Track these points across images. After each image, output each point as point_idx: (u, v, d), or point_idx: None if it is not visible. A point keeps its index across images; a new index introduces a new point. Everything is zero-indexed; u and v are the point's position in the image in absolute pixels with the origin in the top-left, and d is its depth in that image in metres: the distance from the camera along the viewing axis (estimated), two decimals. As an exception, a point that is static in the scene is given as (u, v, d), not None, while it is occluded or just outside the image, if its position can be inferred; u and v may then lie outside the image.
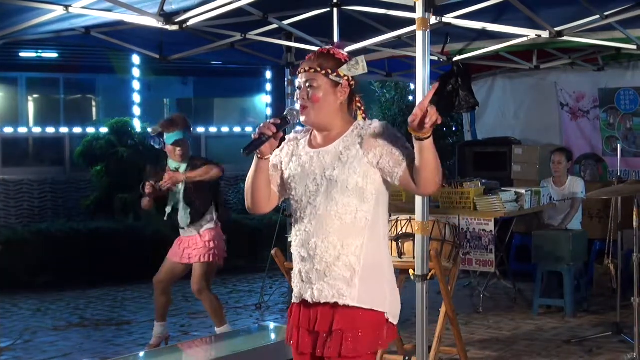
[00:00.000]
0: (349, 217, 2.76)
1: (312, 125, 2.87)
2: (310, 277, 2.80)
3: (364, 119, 2.90)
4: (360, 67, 2.82)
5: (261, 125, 2.80)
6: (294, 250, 2.88)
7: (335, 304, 2.76)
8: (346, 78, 2.82)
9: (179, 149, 5.52)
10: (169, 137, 5.53)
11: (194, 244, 5.54)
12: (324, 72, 2.80)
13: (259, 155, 2.84)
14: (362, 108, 2.92)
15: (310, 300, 2.81)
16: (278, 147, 2.91)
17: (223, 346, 4.80)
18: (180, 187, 5.51)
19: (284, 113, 2.86)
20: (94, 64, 10.98)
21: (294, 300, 2.92)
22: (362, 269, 2.77)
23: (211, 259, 5.51)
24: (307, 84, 2.80)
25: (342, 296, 2.75)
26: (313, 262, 2.79)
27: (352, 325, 2.74)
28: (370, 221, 2.79)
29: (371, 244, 2.79)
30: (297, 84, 2.86)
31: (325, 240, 2.76)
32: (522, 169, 8.82)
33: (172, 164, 5.57)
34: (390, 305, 2.81)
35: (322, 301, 2.78)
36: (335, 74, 2.80)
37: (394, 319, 2.83)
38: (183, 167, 5.54)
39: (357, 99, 2.91)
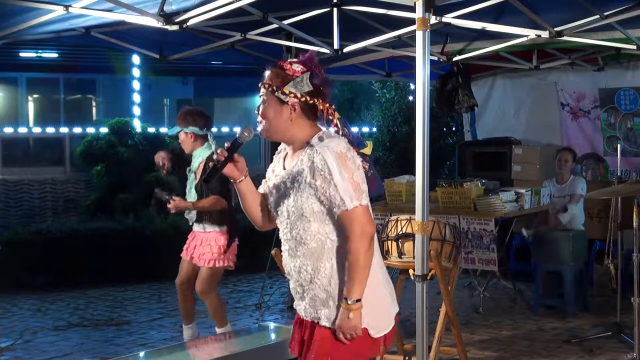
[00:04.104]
0: (312, 241, 2.78)
1: (268, 139, 2.91)
2: (298, 292, 2.88)
3: (337, 128, 2.86)
4: (304, 84, 2.78)
5: (217, 151, 2.82)
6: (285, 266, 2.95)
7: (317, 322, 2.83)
8: (292, 95, 2.77)
9: (180, 142, 5.58)
10: (172, 129, 5.73)
11: (208, 244, 5.47)
12: (270, 89, 2.79)
13: (232, 180, 2.88)
14: (334, 120, 2.86)
15: (302, 314, 2.89)
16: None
17: (223, 346, 4.80)
18: (191, 178, 5.49)
19: (237, 136, 2.85)
20: (94, 64, 10.98)
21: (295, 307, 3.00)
22: (335, 289, 2.78)
23: (219, 264, 5.47)
24: (261, 99, 2.82)
25: (319, 318, 2.81)
26: (295, 282, 2.87)
27: (327, 344, 2.78)
28: (336, 241, 2.78)
29: (342, 262, 2.77)
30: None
31: (300, 265, 2.82)
32: (522, 169, 8.82)
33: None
34: (370, 319, 2.78)
35: (308, 318, 2.85)
36: (280, 91, 2.77)
37: (377, 331, 2.82)
38: (196, 162, 5.50)
39: (327, 108, 2.84)
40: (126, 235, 8.91)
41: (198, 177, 5.43)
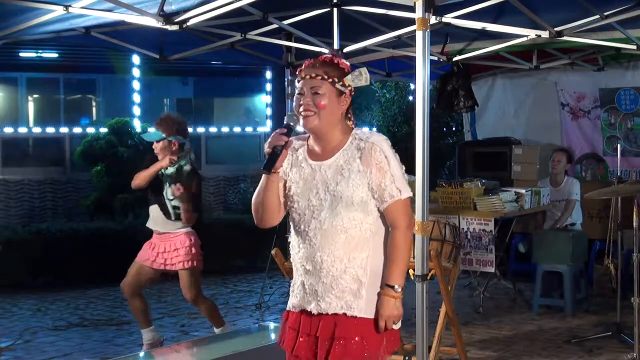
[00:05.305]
0: (354, 230, 2.79)
1: (314, 132, 2.85)
2: (316, 290, 2.82)
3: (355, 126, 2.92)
4: (363, 78, 2.85)
5: (270, 139, 2.80)
6: (297, 261, 2.89)
7: (343, 314, 2.80)
8: (350, 88, 2.84)
9: (157, 149, 5.46)
10: (150, 134, 5.57)
11: (173, 249, 5.43)
12: (330, 80, 2.80)
13: (273, 170, 2.84)
14: (352, 119, 2.91)
15: (315, 312, 2.83)
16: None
17: (223, 346, 4.79)
18: (167, 186, 5.45)
19: (285, 122, 2.84)
20: (94, 64, 10.98)
21: (291, 308, 2.93)
22: (368, 279, 2.81)
23: (195, 265, 5.44)
24: (313, 91, 2.80)
25: (350, 308, 2.80)
26: (319, 276, 2.81)
27: (357, 334, 2.78)
28: (374, 232, 2.83)
29: (375, 254, 2.83)
30: (298, 89, 2.85)
31: (331, 255, 2.79)
32: (522, 169, 8.82)
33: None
34: None
35: (330, 312, 2.81)
36: (340, 83, 2.82)
37: (397, 324, 2.88)
38: (172, 167, 5.43)
39: (350, 109, 2.91)
40: (126, 235, 8.90)
41: (177, 188, 5.36)
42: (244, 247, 9.47)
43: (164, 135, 5.40)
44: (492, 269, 6.50)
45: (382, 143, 2.80)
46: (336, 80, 2.81)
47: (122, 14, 5.26)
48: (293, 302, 2.92)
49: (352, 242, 2.79)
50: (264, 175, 2.87)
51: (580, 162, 8.96)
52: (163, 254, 5.46)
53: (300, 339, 2.86)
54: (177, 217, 5.44)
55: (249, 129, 12.23)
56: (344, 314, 2.80)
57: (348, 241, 2.79)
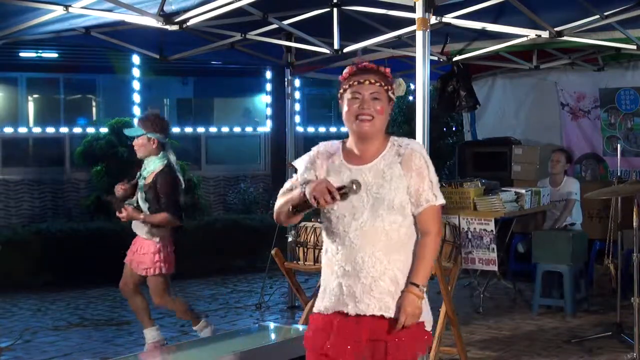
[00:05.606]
0: (393, 233, 2.87)
1: (365, 136, 2.92)
2: (354, 291, 2.87)
3: None
4: (401, 89, 3.07)
5: (317, 190, 2.75)
6: (334, 263, 2.92)
7: (380, 316, 2.86)
8: (394, 95, 2.98)
9: (136, 146, 5.52)
10: (132, 129, 5.64)
11: (142, 252, 5.48)
12: (386, 87, 2.92)
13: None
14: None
15: (352, 313, 2.87)
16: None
17: (223, 346, 4.78)
18: (142, 184, 5.48)
19: (346, 187, 2.79)
20: (94, 64, 10.98)
21: (322, 310, 2.95)
22: (403, 281, 2.89)
23: (158, 272, 5.46)
24: (372, 96, 2.89)
25: (389, 309, 2.86)
26: (359, 277, 2.86)
27: (396, 336, 2.86)
28: (409, 236, 2.91)
29: (409, 258, 2.92)
30: (351, 93, 2.90)
31: (372, 256, 2.85)
32: (522, 169, 8.82)
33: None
34: (427, 314, 2.97)
35: (368, 314, 2.86)
36: (392, 91, 2.95)
37: (430, 326, 2.99)
38: (149, 169, 5.48)
39: None
40: (126, 235, 8.89)
41: (149, 184, 5.41)
42: (244, 247, 9.47)
43: (144, 132, 5.45)
44: (494, 268, 6.50)
45: (421, 150, 2.96)
46: (389, 87, 2.94)
47: (122, 14, 5.26)
48: (325, 304, 2.95)
49: (391, 244, 2.87)
50: (297, 197, 2.85)
51: (580, 162, 8.96)
52: (135, 254, 5.55)
53: (335, 341, 2.88)
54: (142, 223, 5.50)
55: (249, 129, 12.23)
56: (382, 315, 2.86)
57: (388, 243, 2.86)
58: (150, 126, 5.46)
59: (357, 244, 2.86)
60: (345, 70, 2.97)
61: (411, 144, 2.97)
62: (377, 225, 2.84)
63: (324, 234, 3.00)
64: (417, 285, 2.86)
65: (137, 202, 5.52)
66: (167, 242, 5.51)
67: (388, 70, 2.98)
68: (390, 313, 2.86)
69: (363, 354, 2.88)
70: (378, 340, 2.86)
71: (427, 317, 2.98)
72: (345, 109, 2.92)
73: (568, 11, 5.72)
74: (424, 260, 2.90)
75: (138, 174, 5.59)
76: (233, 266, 9.44)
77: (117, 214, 5.47)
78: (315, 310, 3.00)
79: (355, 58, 3.07)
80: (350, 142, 2.97)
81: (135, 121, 5.74)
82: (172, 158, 5.56)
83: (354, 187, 2.79)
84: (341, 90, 2.96)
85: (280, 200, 2.97)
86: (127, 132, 5.69)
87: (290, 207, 2.86)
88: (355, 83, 2.90)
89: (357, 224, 2.86)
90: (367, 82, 2.89)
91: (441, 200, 2.93)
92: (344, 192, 2.79)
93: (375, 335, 2.86)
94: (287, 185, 3.00)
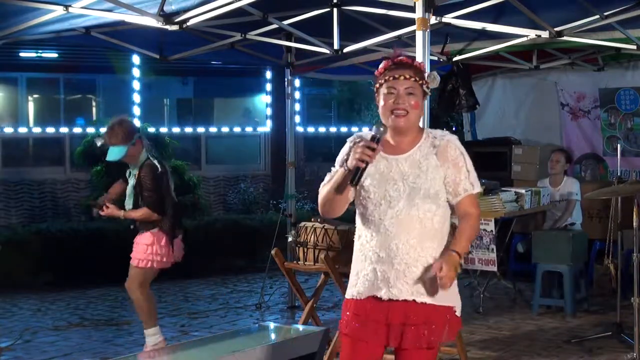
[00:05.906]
0: (427, 221, 2.95)
1: (402, 129, 2.99)
2: (388, 277, 2.96)
3: None
4: (435, 81, 3.04)
5: (357, 153, 2.86)
6: (367, 250, 3.01)
7: (412, 301, 2.94)
8: (429, 89, 3.04)
9: (126, 161, 5.54)
10: (112, 153, 5.50)
11: (137, 243, 5.54)
12: (421, 82, 2.98)
13: (358, 183, 2.96)
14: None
15: (385, 297, 2.96)
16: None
17: (223, 346, 4.78)
18: (131, 183, 5.52)
19: (373, 134, 2.93)
20: (94, 64, 10.98)
21: (356, 295, 3.04)
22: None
23: (147, 265, 5.49)
24: (407, 91, 2.95)
25: (420, 294, 2.94)
26: (392, 263, 2.95)
27: (428, 320, 2.95)
28: (442, 224, 2.99)
29: (441, 244, 2.99)
30: (387, 88, 2.96)
31: (406, 243, 2.94)
32: (522, 169, 8.83)
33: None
34: (457, 300, 3.10)
35: (401, 299, 2.95)
36: (426, 85, 3.01)
37: (459, 311, 3.11)
38: (134, 171, 5.51)
39: None
40: (126, 235, 8.89)
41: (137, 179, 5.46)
42: (244, 247, 9.47)
43: (124, 151, 5.44)
44: (494, 268, 6.51)
45: (456, 141, 3.03)
46: (423, 82, 3.00)
47: (122, 14, 5.26)
48: (358, 289, 3.03)
49: (425, 232, 2.94)
50: (341, 176, 2.95)
51: (580, 162, 8.96)
52: (134, 244, 5.60)
53: (369, 324, 2.98)
54: (132, 220, 5.58)
55: (249, 129, 12.24)
56: (414, 300, 2.94)
57: (422, 231, 2.94)
58: (122, 137, 5.43)
59: (392, 231, 2.94)
60: (381, 65, 3.04)
61: (446, 136, 3.04)
62: (412, 213, 2.92)
63: (358, 220, 3.08)
64: (457, 252, 2.93)
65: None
66: (162, 236, 5.52)
67: (423, 64, 3.05)
68: (422, 298, 2.94)
69: (395, 337, 2.96)
70: (410, 324, 2.93)
71: (457, 303, 3.08)
72: (381, 103, 2.99)
73: (568, 11, 5.72)
74: (465, 233, 2.98)
75: (128, 171, 5.65)
76: (233, 266, 9.43)
77: (100, 212, 5.51)
78: (347, 296, 3.08)
79: (393, 51, 3.09)
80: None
81: (102, 138, 5.67)
82: (154, 153, 5.62)
83: (381, 129, 2.93)
84: (377, 85, 3.03)
85: (323, 191, 3.03)
86: (110, 158, 5.54)
87: (350, 183, 2.90)
88: (391, 78, 2.97)
89: (392, 212, 2.94)
90: (402, 77, 2.95)
91: (478, 188, 3.02)
92: (377, 139, 2.90)
93: (407, 320, 2.94)
94: (326, 178, 3.08)
